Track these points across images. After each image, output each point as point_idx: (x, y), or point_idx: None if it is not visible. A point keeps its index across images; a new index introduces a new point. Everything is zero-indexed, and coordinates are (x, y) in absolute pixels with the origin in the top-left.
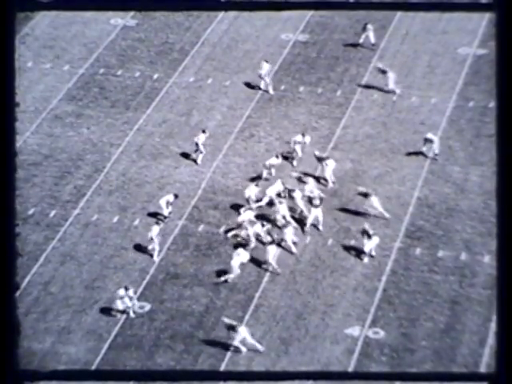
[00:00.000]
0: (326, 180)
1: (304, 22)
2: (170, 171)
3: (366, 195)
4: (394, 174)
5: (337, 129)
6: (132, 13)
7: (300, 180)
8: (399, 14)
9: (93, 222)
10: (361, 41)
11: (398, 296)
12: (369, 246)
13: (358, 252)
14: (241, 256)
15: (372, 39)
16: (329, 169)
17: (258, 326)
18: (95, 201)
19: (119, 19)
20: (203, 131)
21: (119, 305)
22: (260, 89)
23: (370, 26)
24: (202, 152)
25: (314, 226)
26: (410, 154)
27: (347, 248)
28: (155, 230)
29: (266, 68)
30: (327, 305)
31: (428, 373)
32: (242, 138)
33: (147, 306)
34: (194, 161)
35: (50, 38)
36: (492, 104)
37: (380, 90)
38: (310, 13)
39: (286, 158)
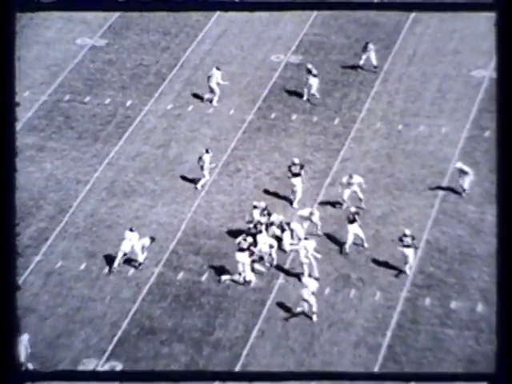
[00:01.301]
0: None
1: (296, 42)
2: (146, 211)
3: (288, 224)
4: (400, 213)
5: (334, 162)
6: (101, 32)
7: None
8: (404, 32)
9: (56, 269)
10: (361, 62)
11: (406, 353)
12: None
13: (360, 301)
14: (310, 286)
15: (374, 61)
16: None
17: None
18: (59, 246)
19: (87, 39)
20: (206, 151)
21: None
22: (203, 99)
23: (371, 46)
24: (204, 176)
25: (356, 244)
26: (420, 190)
27: (347, 298)
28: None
29: (218, 76)
30: (325, 363)
31: (428, 373)
32: (227, 173)
33: (119, 366)
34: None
35: None
36: None
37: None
38: (303, 31)
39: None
